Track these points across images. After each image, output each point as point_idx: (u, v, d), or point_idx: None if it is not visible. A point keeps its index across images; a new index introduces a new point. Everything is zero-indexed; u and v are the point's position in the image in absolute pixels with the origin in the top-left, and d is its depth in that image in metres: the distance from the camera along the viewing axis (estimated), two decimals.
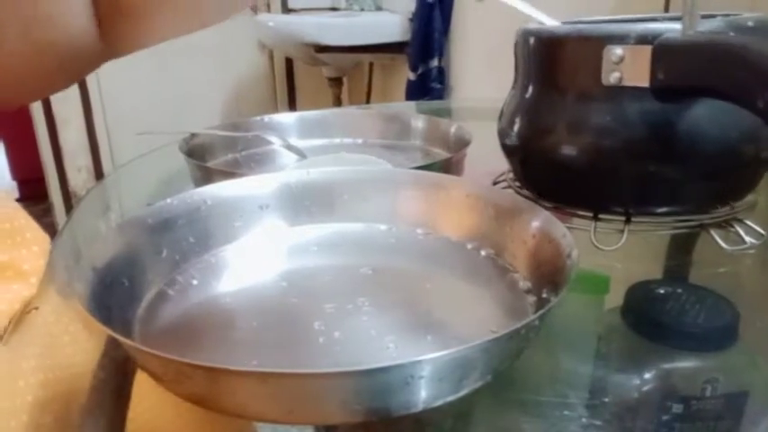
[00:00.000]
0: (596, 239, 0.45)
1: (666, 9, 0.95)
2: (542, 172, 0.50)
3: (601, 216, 0.47)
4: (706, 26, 0.40)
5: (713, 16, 0.44)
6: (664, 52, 0.40)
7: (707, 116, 0.43)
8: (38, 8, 0.33)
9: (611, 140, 0.45)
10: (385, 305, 0.37)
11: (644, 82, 0.41)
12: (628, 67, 0.42)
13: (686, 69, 0.39)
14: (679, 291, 0.44)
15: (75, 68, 0.39)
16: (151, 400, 0.41)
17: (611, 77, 0.43)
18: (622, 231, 0.45)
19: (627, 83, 0.42)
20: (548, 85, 0.49)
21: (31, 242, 0.38)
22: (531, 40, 0.50)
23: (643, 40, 0.41)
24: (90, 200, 0.76)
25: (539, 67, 0.50)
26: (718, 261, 0.48)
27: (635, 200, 0.46)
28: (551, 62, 0.49)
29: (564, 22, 0.50)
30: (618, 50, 0.42)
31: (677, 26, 0.41)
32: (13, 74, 0.33)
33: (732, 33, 0.43)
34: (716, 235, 0.45)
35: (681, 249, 0.52)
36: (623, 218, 0.46)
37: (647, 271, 0.49)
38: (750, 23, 0.43)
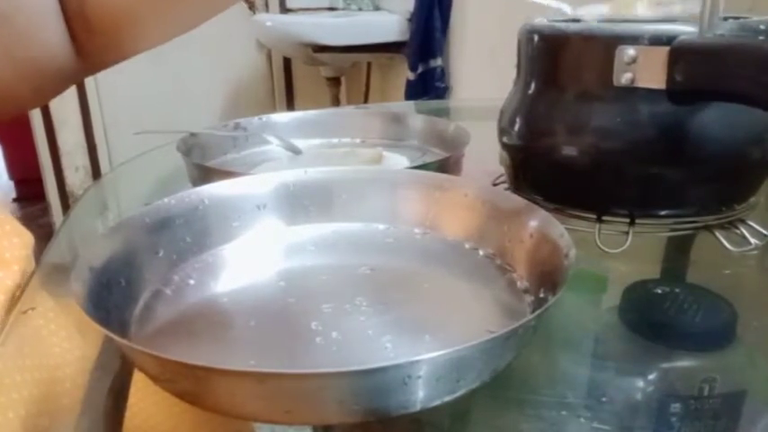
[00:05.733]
0: (599, 241, 0.45)
1: None
2: (546, 173, 0.50)
3: (604, 218, 0.46)
4: (719, 28, 0.40)
5: (723, 18, 0.44)
6: (682, 54, 0.39)
7: (717, 118, 0.43)
8: (14, 26, 0.33)
9: (622, 142, 0.44)
10: (382, 305, 0.37)
11: (659, 84, 0.41)
12: (641, 69, 0.41)
13: (706, 72, 0.39)
14: (677, 290, 0.45)
15: (55, 84, 0.40)
16: (148, 401, 0.41)
17: (622, 78, 0.42)
18: (626, 233, 0.45)
19: (640, 84, 0.42)
20: (555, 84, 0.48)
21: (11, 234, 0.38)
22: (536, 38, 0.49)
23: (658, 41, 0.40)
24: (87, 199, 0.76)
25: (545, 66, 0.49)
26: (716, 261, 0.48)
27: (641, 202, 0.46)
28: (559, 61, 0.48)
29: (568, 20, 0.49)
30: (631, 51, 0.41)
31: (691, 28, 0.41)
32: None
33: (750, 36, 0.43)
34: (720, 236, 0.45)
35: (678, 249, 0.52)
36: (627, 220, 0.46)
37: (645, 271, 0.49)
38: (762, 26, 0.43)
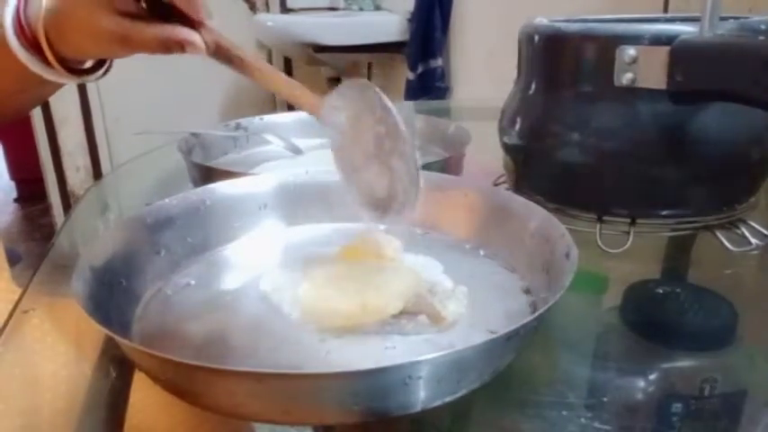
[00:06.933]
0: (600, 241, 0.45)
1: (665, 9, 0.95)
2: (547, 173, 0.50)
3: (605, 218, 0.46)
4: (719, 28, 0.40)
5: (723, 18, 0.44)
6: (682, 54, 0.39)
7: (717, 118, 0.43)
8: None
9: (622, 142, 0.44)
10: None
11: (660, 83, 0.40)
12: (642, 68, 0.41)
13: (706, 72, 0.39)
14: (677, 290, 0.45)
15: None
16: (148, 401, 0.41)
17: (623, 78, 0.42)
18: (627, 233, 0.45)
19: (640, 84, 0.42)
20: (555, 84, 0.48)
21: None
22: (537, 38, 0.49)
23: (658, 40, 0.40)
24: (88, 200, 0.76)
25: (546, 66, 0.49)
26: (717, 261, 0.48)
27: (642, 202, 0.46)
28: (559, 61, 0.48)
29: (568, 20, 0.49)
30: (631, 51, 0.41)
31: (690, 28, 0.41)
32: None
33: (750, 36, 0.42)
34: (721, 236, 0.45)
35: (679, 249, 0.52)
36: (628, 220, 0.46)
37: (646, 271, 0.49)
38: (762, 26, 0.43)
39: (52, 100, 1.95)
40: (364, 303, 0.34)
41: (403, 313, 0.34)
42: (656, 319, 0.41)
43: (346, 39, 1.81)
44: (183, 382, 0.29)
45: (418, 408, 0.27)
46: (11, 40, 0.40)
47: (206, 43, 0.39)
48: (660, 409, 0.34)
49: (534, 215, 0.40)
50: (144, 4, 0.38)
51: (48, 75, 0.42)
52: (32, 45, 0.40)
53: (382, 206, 0.37)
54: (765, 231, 0.45)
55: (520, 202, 0.43)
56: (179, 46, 0.38)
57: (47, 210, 2.20)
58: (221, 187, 0.47)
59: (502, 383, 0.31)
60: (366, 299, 0.34)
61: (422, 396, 0.27)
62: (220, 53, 0.40)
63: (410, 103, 1.58)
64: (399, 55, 1.83)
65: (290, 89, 0.40)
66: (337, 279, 0.36)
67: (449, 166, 0.60)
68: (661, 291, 0.45)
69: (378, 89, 0.36)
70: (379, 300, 0.34)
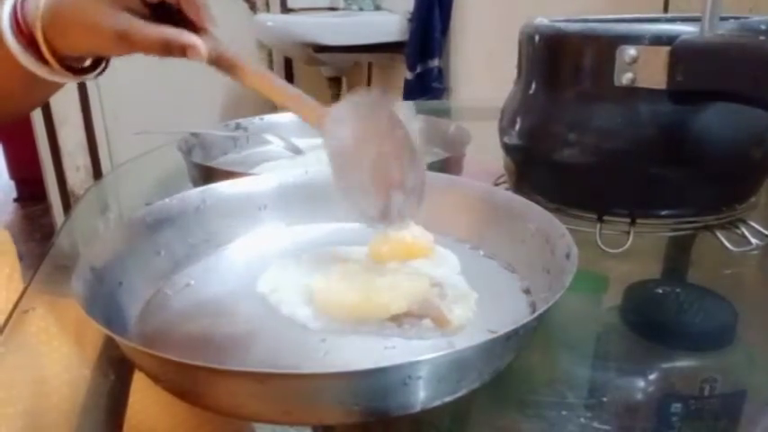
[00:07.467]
0: (600, 241, 0.45)
1: (666, 9, 0.95)
2: (547, 173, 0.50)
3: (605, 218, 0.46)
4: (720, 28, 0.40)
5: (724, 18, 0.44)
6: (683, 54, 0.39)
7: (717, 118, 0.43)
8: None
9: (622, 142, 0.44)
10: None
11: (660, 83, 0.41)
12: (642, 68, 0.42)
13: (706, 72, 0.39)
14: (677, 290, 0.45)
15: None
16: (148, 401, 0.41)
17: (623, 78, 0.42)
18: (627, 233, 0.45)
19: (640, 84, 0.42)
20: (555, 84, 0.48)
21: None
22: (537, 38, 0.49)
23: (659, 40, 0.41)
24: (88, 199, 0.76)
25: (546, 66, 0.49)
26: (717, 261, 0.48)
27: (642, 202, 0.46)
28: (559, 61, 0.48)
29: (568, 20, 0.49)
30: (632, 51, 0.42)
31: (691, 28, 0.41)
32: None
33: (751, 36, 0.42)
34: (721, 236, 0.45)
35: (679, 249, 0.52)
36: (628, 220, 0.46)
37: (646, 271, 0.49)
38: (763, 26, 0.43)
39: (52, 100, 1.95)
40: (369, 297, 0.34)
41: (407, 315, 0.34)
42: (656, 319, 0.41)
43: (346, 39, 1.81)
44: (183, 383, 0.29)
45: (418, 408, 0.27)
46: (7, 38, 0.39)
47: (207, 50, 0.38)
48: (660, 409, 0.34)
49: (534, 215, 0.40)
50: (147, 5, 0.38)
51: (44, 73, 0.41)
52: (29, 42, 0.40)
53: (379, 217, 0.38)
54: (765, 231, 0.45)
55: (520, 202, 0.43)
56: (180, 49, 0.38)
57: (47, 209, 2.20)
58: (221, 187, 0.47)
59: (502, 383, 0.31)
60: (371, 293, 0.34)
61: (422, 396, 0.27)
62: (221, 61, 0.39)
63: (410, 103, 1.58)
64: (399, 55, 1.83)
65: (292, 100, 0.40)
66: (349, 276, 0.37)
67: (449, 166, 0.60)
68: (661, 291, 0.45)
69: (395, 104, 0.36)
70: (384, 295, 0.34)
